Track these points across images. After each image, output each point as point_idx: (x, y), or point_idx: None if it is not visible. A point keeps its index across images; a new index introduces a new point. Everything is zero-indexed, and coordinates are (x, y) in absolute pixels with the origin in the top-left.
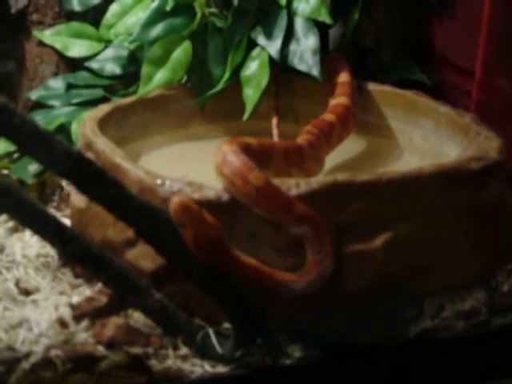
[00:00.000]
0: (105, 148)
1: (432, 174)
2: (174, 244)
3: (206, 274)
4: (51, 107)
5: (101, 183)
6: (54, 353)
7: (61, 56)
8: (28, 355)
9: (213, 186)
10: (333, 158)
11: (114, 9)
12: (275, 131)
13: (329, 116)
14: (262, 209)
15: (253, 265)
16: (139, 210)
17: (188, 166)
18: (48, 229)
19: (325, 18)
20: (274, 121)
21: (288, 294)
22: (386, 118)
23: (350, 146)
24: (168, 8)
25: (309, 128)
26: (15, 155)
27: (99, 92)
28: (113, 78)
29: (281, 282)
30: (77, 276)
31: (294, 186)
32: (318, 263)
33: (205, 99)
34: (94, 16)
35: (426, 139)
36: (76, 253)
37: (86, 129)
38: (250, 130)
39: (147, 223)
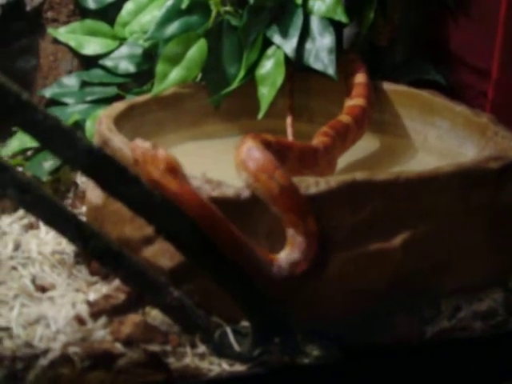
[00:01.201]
0: (122, 145)
1: (450, 173)
2: (194, 241)
3: (226, 271)
4: (65, 105)
5: (122, 180)
6: (72, 350)
7: (75, 54)
8: (46, 352)
9: (230, 183)
10: (347, 157)
11: (128, 7)
12: (289, 130)
13: (345, 117)
14: (280, 208)
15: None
16: (160, 207)
17: (203, 164)
18: (68, 225)
19: (340, 16)
20: (289, 120)
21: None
22: (401, 118)
23: (364, 145)
24: (183, 6)
25: (325, 129)
26: (29, 152)
27: (113, 90)
28: (127, 76)
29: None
30: (92, 273)
31: (313, 184)
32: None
33: (219, 98)
34: (110, 14)
35: (441, 139)
36: (95, 250)
37: (102, 126)
38: (265, 128)
39: (167, 220)
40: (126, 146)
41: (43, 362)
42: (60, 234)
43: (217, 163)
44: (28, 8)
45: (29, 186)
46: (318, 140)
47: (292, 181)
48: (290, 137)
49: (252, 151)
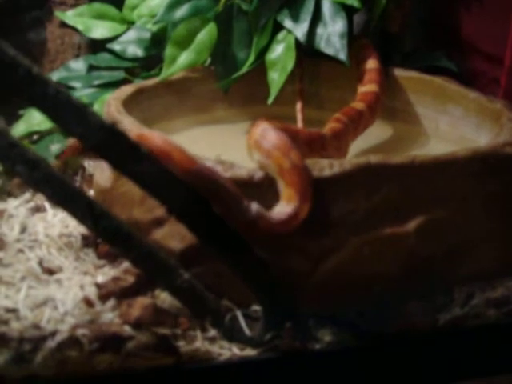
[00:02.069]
0: (132, 127)
1: (466, 158)
2: (208, 222)
3: (239, 254)
4: (72, 88)
5: (134, 157)
6: (80, 332)
7: (83, 37)
8: (54, 334)
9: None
10: (359, 144)
11: None
12: (299, 116)
13: (359, 104)
14: (285, 181)
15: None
16: (172, 187)
17: (211, 149)
18: (78, 205)
19: (353, 1)
20: (299, 105)
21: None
22: (413, 105)
23: (376, 132)
24: None
25: (338, 115)
26: (35, 136)
27: (120, 74)
28: (134, 60)
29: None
30: (100, 256)
31: (327, 166)
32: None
33: (228, 83)
34: None
35: (453, 126)
36: (106, 231)
37: (110, 108)
38: (273, 114)
39: (180, 200)
40: (135, 128)
41: (51, 343)
42: (70, 213)
43: (226, 148)
44: None
45: (38, 164)
46: (330, 126)
47: (305, 163)
48: (299, 123)
49: (267, 131)
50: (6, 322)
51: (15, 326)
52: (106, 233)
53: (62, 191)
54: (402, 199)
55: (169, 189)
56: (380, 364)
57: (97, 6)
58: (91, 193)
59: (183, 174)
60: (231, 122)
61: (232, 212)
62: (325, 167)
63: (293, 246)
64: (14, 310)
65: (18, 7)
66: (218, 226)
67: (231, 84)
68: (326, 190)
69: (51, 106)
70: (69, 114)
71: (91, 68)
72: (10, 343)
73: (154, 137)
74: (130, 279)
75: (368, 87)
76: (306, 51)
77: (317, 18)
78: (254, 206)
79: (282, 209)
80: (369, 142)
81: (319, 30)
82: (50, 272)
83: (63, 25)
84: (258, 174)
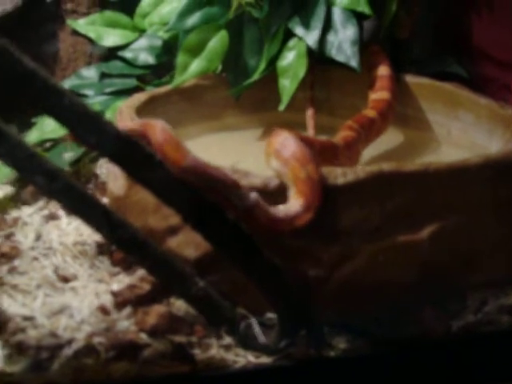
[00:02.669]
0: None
1: (479, 164)
2: (224, 231)
3: (255, 262)
4: (84, 96)
5: (150, 166)
6: (96, 340)
7: (94, 45)
8: (70, 342)
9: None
10: (370, 151)
11: None
12: (310, 122)
13: (370, 112)
14: (297, 188)
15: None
16: (188, 195)
17: (224, 156)
18: (95, 214)
19: (364, 8)
20: (310, 112)
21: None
22: (425, 111)
23: (387, 139)
24: None
25: (350, 123)
26: (48, 144)
27: (132, 81)
28: (146, 67)
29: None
30: (114, 264)
31: (341, 174)
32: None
33: (240, 89)
34: (129, 5)
35: (465, 132)
36: (122, 239)
37: (123, 116)
38: (284, 121)
39: (196, 209)
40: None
41: (68, 351)
42: (86, 223)
43: (238, 155)
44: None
45: (56, 174)
46: (341, 134)
47: (320, 177)
48: (310, 129)
49: (288, 141)
50: (23, 330)
51: (32, 334)
52: (122, 241)
53: (80, 201)
54: (416, 206)
55: (184, 197)
56: (394, 371)
57: (108, 14)
58: (105, 201)
59: (175, 168)
60: (242, 128)
61: (229, 200)
62: (339, 175)
63: (307, 254)
64: (30, 318)
65: (31, 21)
66: (233, 234)
67: (242, 91)
68: (339, 198)
69: (68, 117)
70: (85, 124)
71: (103, 76)
72: (27, 351)
73: (156, 126)
74: (146, 287)
75: (380, 94)
76: (317, 57)
77: (328, 25)
78: (253, 194)
79: (284, 208)
80: (380, 149)
81: (330, 37)
82: (65, 280)
83: (75, 33)
84: (273, 183)
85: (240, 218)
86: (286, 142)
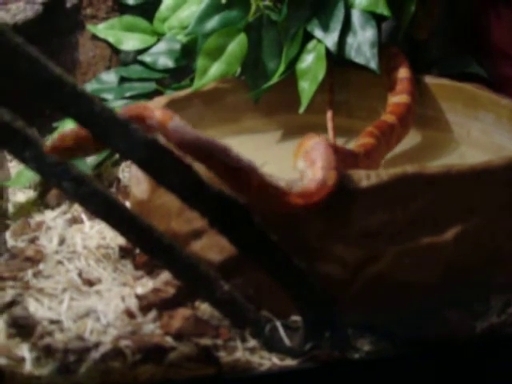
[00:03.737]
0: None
1: (502, 166)
2: (248, 233)
3: (281, 265)
4: (104, 100)
5: (177, 171)
6: (123, 343)
7: (114, 50)
8: (97, 345)
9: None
10: (390, 152)
11: (167, 2)
12: (330, 124)
13: (390, 118)
14: (308, 190)
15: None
16: (215, 199)
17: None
18: (120, 218)
19: (383, 10)
20: (329, 114)
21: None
22: (444, 112)
23: (407, 140)
24: (223, 1)
25: (371, 129)
26: None
27: (152, 85)
28: (165, 71)
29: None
30: (138, 268)
31: (364, 177)
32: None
33: (259, 92)
34: (148, 10)
35: (485, 133)
36: (148, 243)
37: None
38: (303, 123)
39: (222, 212)
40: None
41: (95, 354)
42: (112, 227)
43: (258, 158)
44: (68, 5)
45: (83, 180)
46: (361, 141)
47: (335, 186)
48: (330, 131)
49: (319, 145)
50: (50, 334)
51: (59, 338)
52: (147, 245)
53: (106, 205)
54: (439, 208)
55: (210, 201)
56: (419, 372)
57: (127, 18)
58: (127, 204)
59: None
60: (262, 131)
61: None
62: (362, 178)
63: (332, 256)
64: (57, 322)
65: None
66: (258, 237)
67: (262, 94)
68: (363, 201)
69: (96, 123)
70: (113, 131)
71: (122, 80)
72: (55, 354)
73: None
74: (171, 291)
75: (399, 98)
76: (336, 59)
77: (347, 27)
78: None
79: (288, 186)
80: (400, 150)
81: (349, 39)
82: (90, 283)
83: (95, 38)
84: (297, 185)
85: (250, 196)
86: (316, 146)
